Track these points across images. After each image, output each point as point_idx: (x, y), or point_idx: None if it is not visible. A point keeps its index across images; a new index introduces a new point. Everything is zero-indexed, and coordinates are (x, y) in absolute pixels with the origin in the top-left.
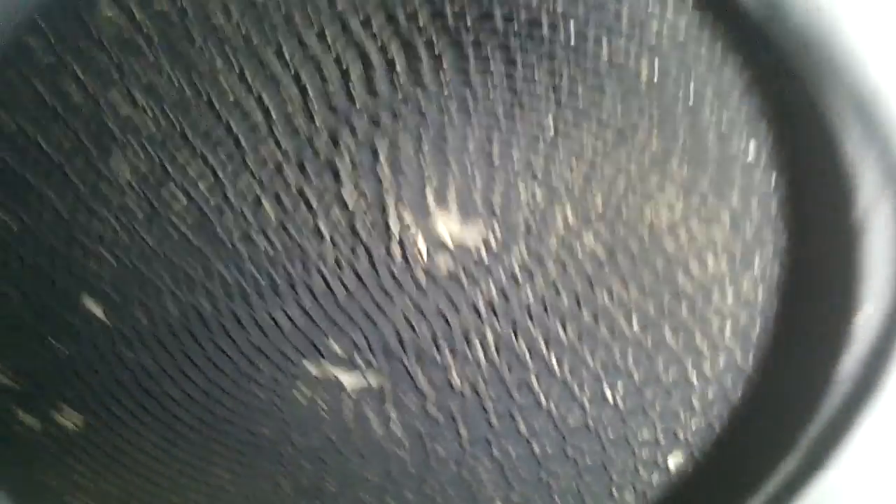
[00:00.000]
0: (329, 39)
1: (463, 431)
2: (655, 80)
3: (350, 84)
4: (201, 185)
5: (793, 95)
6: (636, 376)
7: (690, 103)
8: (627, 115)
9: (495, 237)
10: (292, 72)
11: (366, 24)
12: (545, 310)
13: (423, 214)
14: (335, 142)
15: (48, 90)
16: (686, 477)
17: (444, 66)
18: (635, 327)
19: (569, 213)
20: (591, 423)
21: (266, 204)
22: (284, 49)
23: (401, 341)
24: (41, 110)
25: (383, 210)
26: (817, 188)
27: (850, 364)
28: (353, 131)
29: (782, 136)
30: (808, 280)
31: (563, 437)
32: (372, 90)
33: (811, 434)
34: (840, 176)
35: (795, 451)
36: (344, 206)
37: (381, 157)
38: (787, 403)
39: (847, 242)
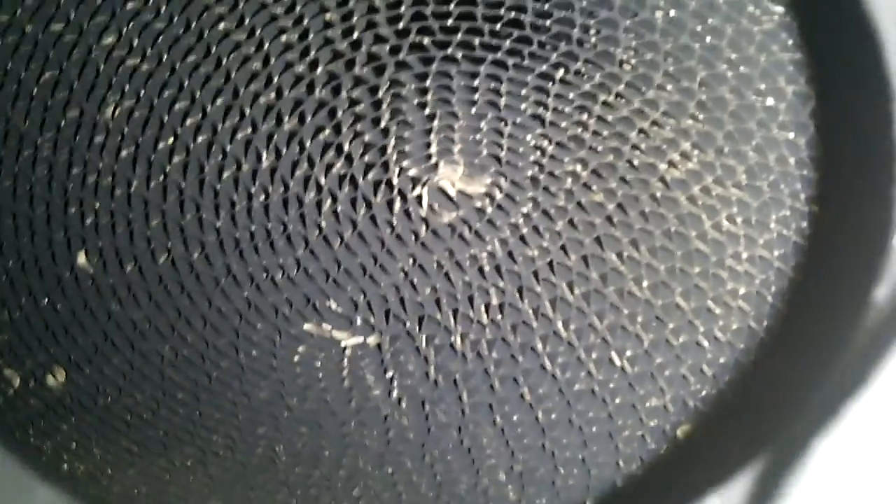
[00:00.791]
0: None
1: (464, 396)
2: (672, 15)
3: (354, 29)
4: (189, 123)
5: (822, 40)
6: (645, 340)
7: (708, 41)
8: (641, 57)
9: (501, 191)
10: (294, 13)
11: None
12: (551, 269)
13: (426, 166)
14: (336, 89)
15: (38, 30)
16: (695, 446)
17: (451, 10)
18: (645, 288)
19: (578, 166)
20: (597, 388)
21: (258, 147)
22: None
23: (401, 300)
24: (30, 51)
25: (385, 161)
26: (842, 145)
27: (869, 329)
28: (355, 78)
29: (807, 85)
30: (826, 240)
31: (568, 403)
32: (377, 36)
33: (823, 396)
34: (872, 134)
35: (807, 410)
36: (343, 155)
37: (384, 106)
38: (799, 368)
39: (871, 202)
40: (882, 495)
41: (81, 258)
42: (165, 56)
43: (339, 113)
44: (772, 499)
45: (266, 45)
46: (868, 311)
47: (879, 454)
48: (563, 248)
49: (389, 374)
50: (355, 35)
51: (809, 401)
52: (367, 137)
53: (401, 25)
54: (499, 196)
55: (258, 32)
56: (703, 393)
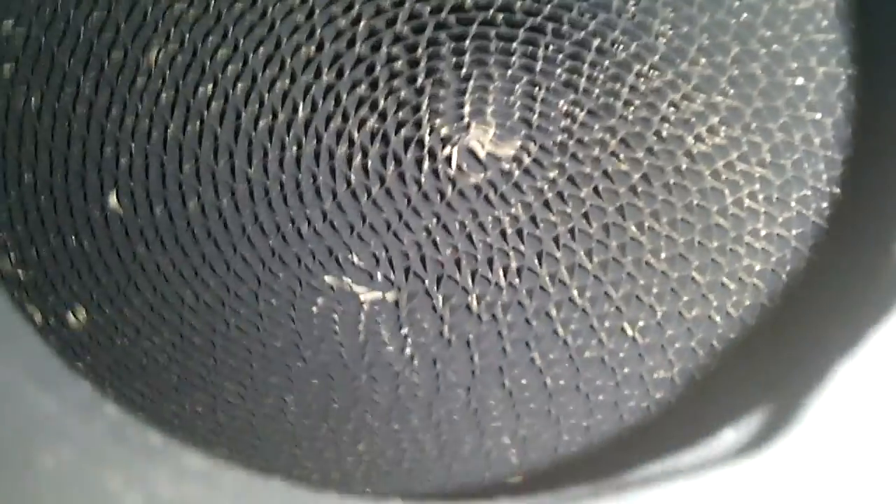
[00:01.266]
0: None
1: (476, 357)
2: None
3: None
4: (230, 71)
5: (856, 23)
6: (658, 311)
7: (744, 18)
8: (678, 29)
9: (529, 155)
10: None
11: None
12: (572, 235)
13: (458, 127)
14: (376, 45)
15: None
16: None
17: None
18: (662, 259)
19: (607, 134)
20: (607, 357)
21: (295, 98)
22: None
23: (422, 258)
24: None
25: (418, 119)
26: (867, 129)
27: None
28: (395, 35)
29: (838, 66)
30: (844, 221)
31: (577, 370)
32: None
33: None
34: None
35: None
36: (377, 111)
37: (421, 64)
38: (808, 344)
39: (891, 185)
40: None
41: (113, 199)
42: (213, 3)
43: (377, 69)
44: (786, 428)
45: None
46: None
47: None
48: (585, 215)
49: (404, 330)
50: None
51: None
52: (402, 94)
53: None
54: (527, 160)
55: None
56: (712, 369)
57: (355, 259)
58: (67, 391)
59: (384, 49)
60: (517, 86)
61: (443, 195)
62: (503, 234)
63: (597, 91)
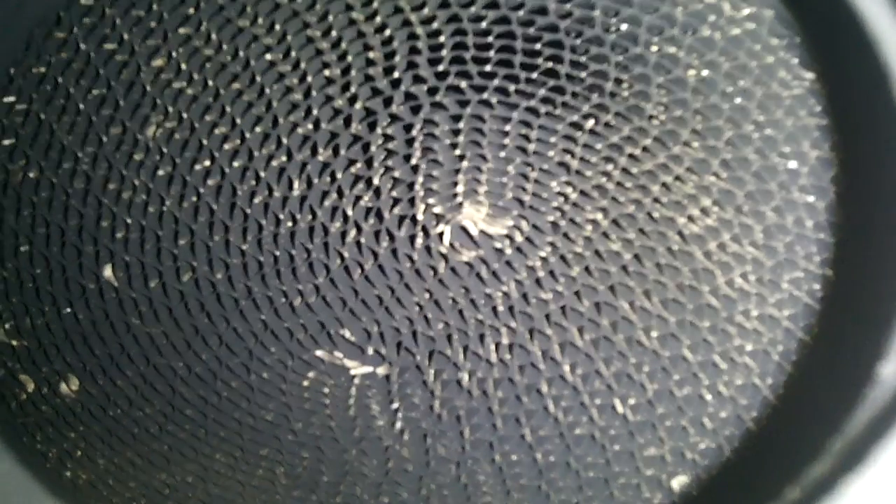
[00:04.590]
0: (380, 18)
1: (466, 432)
2: (704, 75)
3: (395, 68)
4: (227, 148)
5: (852, 107)
6: (649, 389)
7: (738, 102)
8: (671, 113)
9: (522, 233)
10: (339, 49)
11: (418, 7)
12: (564, 313)
13: (451, 205)
14: (372, 124)
15: (91, 48)
16: (689, 499)
17: (491, 56)
18: (653, 338)
19: (599, 214)
20: (597, 434)
21: (290, 175)
22: (333, 24)
23: (414, 333)
24: (82, 68)
25: (412, 197)
26: (860, 214)
27: (873, 404)
28: (391, 116)
29: (831, 151)
30: (837, 305)
31: (568, 447)
32: (416, 76)
33: (818, 468)
34: (890, 205)
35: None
36: (372, 188)
37: (416, 144)
38: (801, 430)
39: (884, 272)
40: None
41: (108, 271)
42: (211, 81)
43: (373, 148)
44: None
45: (309, 78)
46: (873, 386)
47: None
48: (576, 293)
49: (395, 405)
50: (396, 74)
51: (805, 468)
52: (397, 173)
53: (440, 68)
54: (519, 238)
55: (302, 65)
56: (702, 446)
57: (347, 334)
58: None
59: (380, 129)
60: (510, 166)
61: (435, 272)
62: (495, 310)
63: (590, 172)
